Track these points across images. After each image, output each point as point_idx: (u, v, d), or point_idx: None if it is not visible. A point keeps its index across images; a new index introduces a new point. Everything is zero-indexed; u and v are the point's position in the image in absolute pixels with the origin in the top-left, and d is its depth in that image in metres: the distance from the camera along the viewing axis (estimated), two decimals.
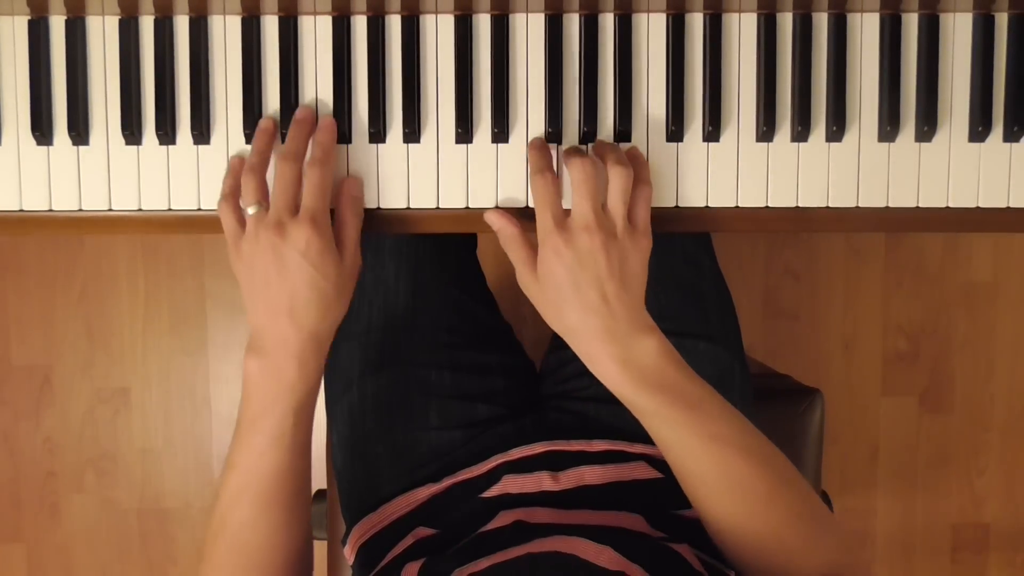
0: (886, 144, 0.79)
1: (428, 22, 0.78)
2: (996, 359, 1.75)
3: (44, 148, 0.78)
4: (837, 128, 0.78)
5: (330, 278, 0.72)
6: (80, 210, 0.78)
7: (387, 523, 0.89)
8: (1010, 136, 0.79)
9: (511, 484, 0.85)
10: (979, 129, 0.79)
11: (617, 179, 0.71)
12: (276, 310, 0.72)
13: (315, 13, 0.78)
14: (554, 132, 0.78)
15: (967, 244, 1.73)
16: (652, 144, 0.79)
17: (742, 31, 0.79)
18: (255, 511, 0.74)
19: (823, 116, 0.79)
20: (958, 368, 1.75)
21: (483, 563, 0.71)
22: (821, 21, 0.79)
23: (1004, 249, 1.73)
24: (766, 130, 0.78)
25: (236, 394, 1.71)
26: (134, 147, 0.78)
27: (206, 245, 1.70)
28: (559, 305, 0.72)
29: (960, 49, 0.79)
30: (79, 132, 0.77)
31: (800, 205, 0.79)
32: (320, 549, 0.94)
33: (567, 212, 0.72)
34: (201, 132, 0.78)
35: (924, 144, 0.79)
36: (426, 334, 0.94)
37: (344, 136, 0.78)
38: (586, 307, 0.71)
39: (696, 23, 0.78)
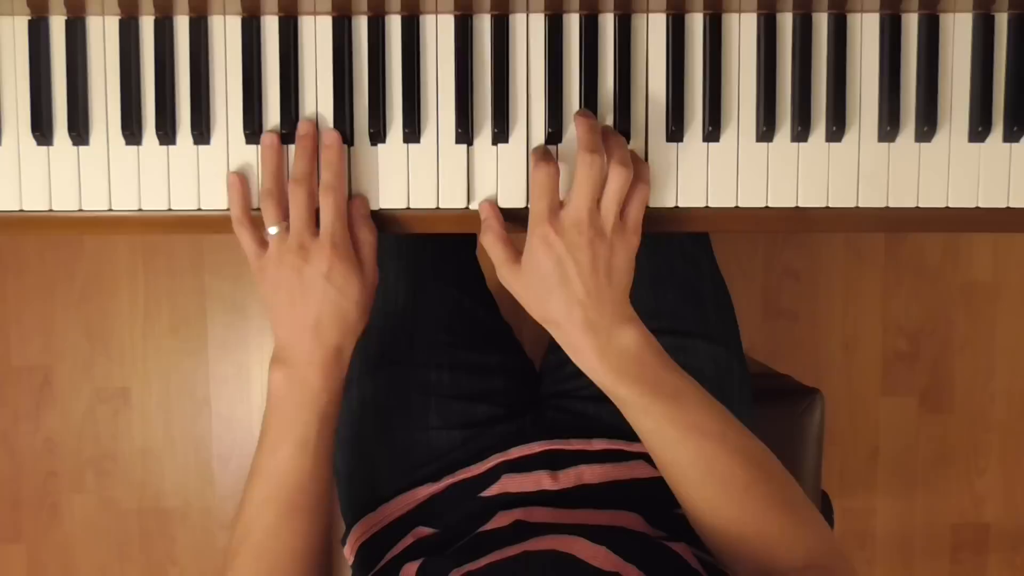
0: (886, 144, 0.79)
1: (428, 22, 0.78)
2: (996, 359, 1.75)
3: (44, 148, 0.78)
4: (837, 128, 0.78)
5: (352, 298, 0.75)
6: (80, 210, 0.79)
7: (386, 523, 0.89)
8: (1010, 136, 0.79)
9: (510, 483, 0.85)
10: (979, 129, 0.79)
11: (616, 178, 0.72)
12: (301, 327, 0.75)
13: (315, 13, 0.78)
14: (554, 132, 0.78)
15: (967, 244, 1.73)
16: (652, 144, 0.79)
17: (742, 31, 0.79)
18: (280, 518, 0.75)
19: (823, 116, 0.79)
20: (958, 368, 1.75)
21: (480, 562, 0.71)
22: (821, 21, 0.79)
23: (1004, 249, 1.73)
24: (766, 130, 0.78)
25: (236, 394, 1.73)
26: (134, 147, 0.78)
27: (206, 245, 1.70)
28: (543, 296, 0.73)
29: (960, 49, 0.79)
30: (79, 132, 0.77)
31: (800, 205, 0.79)
32: None
33: (562, 204, 0.73)
34: (201, 132, 0.78)
35: (924, 144, 0.79)
36: (426, 334, 0.94)
37: (344, 136, 0.78)
38: (570, 299, 0.72)
39: (696, 23, 0.78)
